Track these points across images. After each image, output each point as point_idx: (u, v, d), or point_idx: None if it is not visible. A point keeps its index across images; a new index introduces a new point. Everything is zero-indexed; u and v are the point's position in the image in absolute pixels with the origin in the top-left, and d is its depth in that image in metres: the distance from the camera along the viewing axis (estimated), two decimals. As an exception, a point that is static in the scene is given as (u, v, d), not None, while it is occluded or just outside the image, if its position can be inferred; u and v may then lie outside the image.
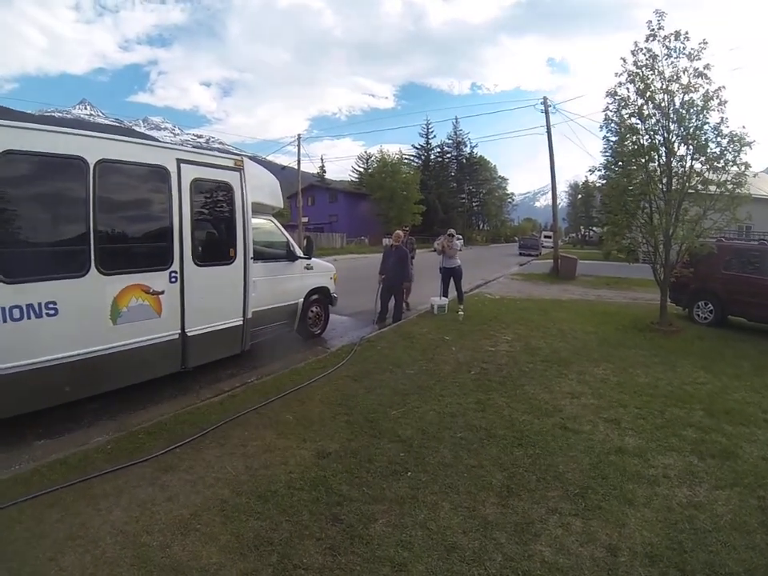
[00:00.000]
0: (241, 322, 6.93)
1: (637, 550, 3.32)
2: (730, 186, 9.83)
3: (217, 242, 6.69)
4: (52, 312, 4.73)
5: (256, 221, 7.55)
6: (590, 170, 11.76)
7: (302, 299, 8.68)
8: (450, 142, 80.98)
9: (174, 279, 5.88)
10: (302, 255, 8.57)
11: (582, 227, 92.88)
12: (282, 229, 8.47)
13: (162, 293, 5.76)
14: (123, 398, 5.71)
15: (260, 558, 3.09)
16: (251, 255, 6.91)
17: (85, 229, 4.96)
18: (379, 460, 4.40)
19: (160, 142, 5.95)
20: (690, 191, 10.13)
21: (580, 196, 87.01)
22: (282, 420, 5.22)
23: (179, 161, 5.93)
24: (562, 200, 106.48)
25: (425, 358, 7.70)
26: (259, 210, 7.63)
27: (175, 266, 5.88)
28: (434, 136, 78.43)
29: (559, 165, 23.28)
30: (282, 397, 5.85)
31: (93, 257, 5.01)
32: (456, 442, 4.83)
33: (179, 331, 6.06)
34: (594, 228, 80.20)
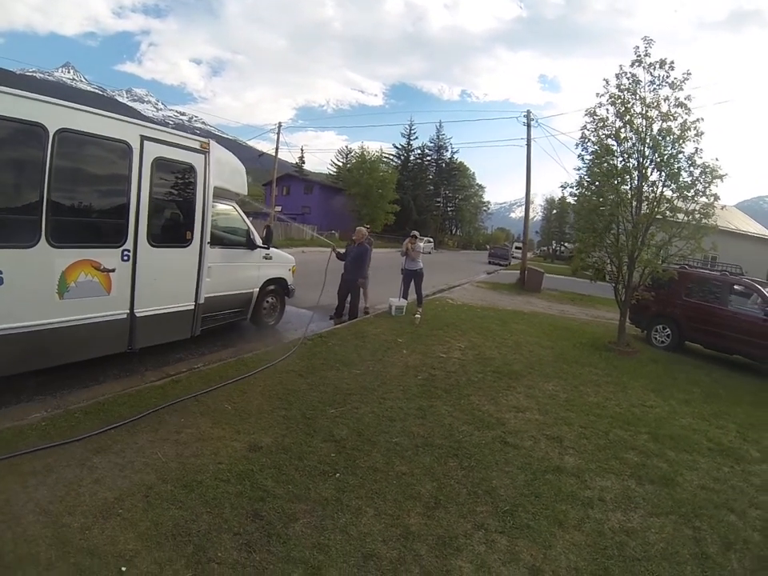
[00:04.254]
0: (192, 307, 6.80)
1: (560, 573, 3.28)
2: (697, 216, 10.00)
3: (174, 223, 6.54)
4: None
5: (218, 206, 7.48)
6: (561, 186, 11.84)
7: (258, 289, 8.59)
8: (432, 145, 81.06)
9: (126, 258, 5.71)
10: (261, 244, 8.44)
11: (554, 242, 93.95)
12: (244, 216, 8.35)
13: (113, 270, 5.59)
14: (67, 375, 5.59)
15: (176, 548, 3.05)
16: (208, 240, 6.79)
17: (38, 198, 4.77)
18: (309, 458, 4.35)
19: (124, 116, 5.76)
20: (658, 216, 10.28)
21: (555, 211, 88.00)
22: (220, 409, 5.15)
23: (143, 137, 5.77)
24: (538, 213, 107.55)
25: (374, 359, 7.65)
26: (222, 195, 7.52)
27: (128, 245, 5.71)
28: (416, 138, 78.56)
29: (538, 180, 23.58)
30: (223, 386, 5.76)
31: (44, 228, 4.82)
32: (390, 447, 4.78)
33: (128, 311, 5.90)
34: (566, 244, 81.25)
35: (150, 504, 3.43)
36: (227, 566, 2.96)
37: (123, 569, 2.82)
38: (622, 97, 10.40)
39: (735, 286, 11.70)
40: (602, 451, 5.31)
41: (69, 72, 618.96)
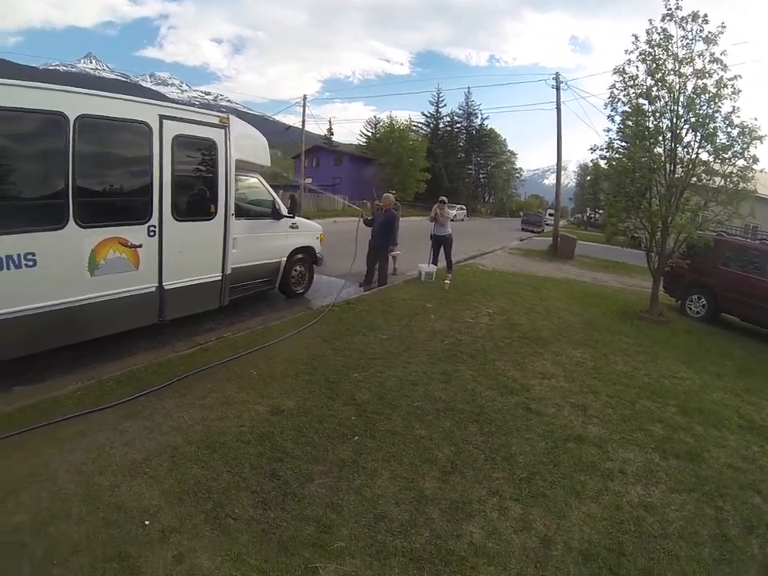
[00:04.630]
0: (219, 277, 6.96)
1: (573, 545, 3.27)
2: (735, 179, 9.59)
3: (197, 197, 6.66)
4: (30, 263, 4.76)
5: (242, 179, 7.62)
6: (590, 149, 11.42)
7: (285, 258, 8.70)
8: (461, 112, 79.53)
9: (152, 233, 5.87)
10: (286, 214, 8.51)
11: (588, 209, 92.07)
12: (269, 187, 8.41)
13: (140, 246, 5.76)
14: (101, 349, 5.79)
15: (196, 504, 3.22)
16: (233, 212, 6.90)
17: (64, 183, 4.93)
18: (330, 421, 4.47)
19: (141, 98, 5.90)
20: (693, 180, 9.88)
21: (589, 177, 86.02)
22: (246, 375, 5.29)
23: (162, 117, 5.87)
24: (571, 180, 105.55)
25: (401, 324, 7.68)
26: (245, 167, 7.63)
27: (154, 221, 5.86)
28: (445, 105, 77.15)
29: (571, 145, 23.27)
30: (250, 353, 5.90)
31: (71, 210, 5.00)
32: (411, 411, 4.84)
33: (156, 284, 6.08)
34: (601, 210, 79.65)
35: (174, 463, 3.61)
36: (243, 522, 3.10)
37: (146, 522, 3.00)
38: (653, 53, 9.92)
39: None
40: (627, 422, 5.21)
41: (91, 62, 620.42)
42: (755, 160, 9.53)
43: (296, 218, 8.80)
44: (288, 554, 2.89)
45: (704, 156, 9.90)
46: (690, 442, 4.97)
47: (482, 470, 3.99)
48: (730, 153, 9.60)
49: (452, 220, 12.10)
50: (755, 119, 9.48)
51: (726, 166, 9.68)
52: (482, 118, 79.89)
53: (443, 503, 3.51)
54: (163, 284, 6.12)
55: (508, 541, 3.23)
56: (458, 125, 79.94)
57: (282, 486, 3.49)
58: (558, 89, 23.38)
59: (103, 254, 5.38)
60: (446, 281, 11.20)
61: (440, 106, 76.46)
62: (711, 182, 9.81)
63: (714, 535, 3.59)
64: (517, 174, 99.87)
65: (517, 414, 5.03)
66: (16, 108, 4.56)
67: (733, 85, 9.44)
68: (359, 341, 6.72)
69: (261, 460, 3.76)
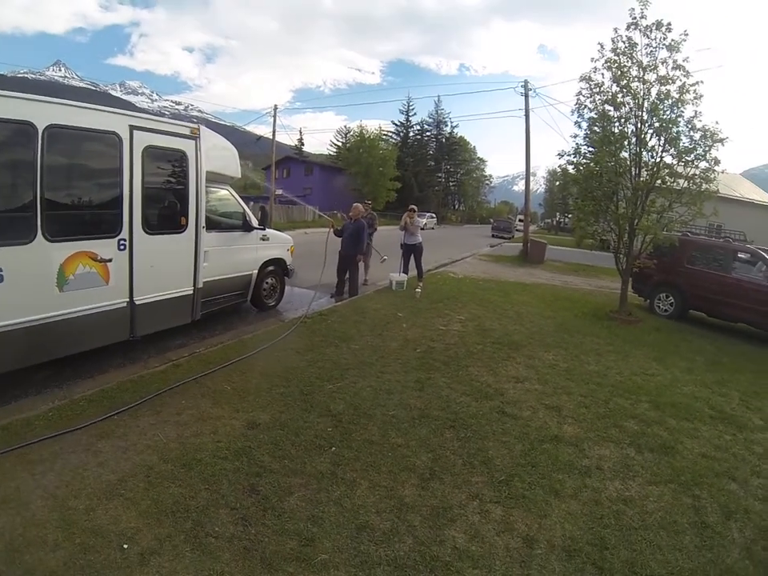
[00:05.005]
0: (191, 292, 6.89)
1: (555, 542, 3.31)
2: (698, 181, 9.91)
3: (168, 210, 6.58)
4: None
5: (213, 190, 7.57)
6: (558, 155, 11.63)
7: (257, 270, 8.66)
8: (431, 120, 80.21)
9: (122, 247, 5.77)
10: (257, 226, 8.47)
11: (557, 214, 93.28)
12: (239, 199, 8.38)
13: (110, 260, 5.65)
14: (73, 367, 5.68)
15: (175, 524, 3.17)
16: (203, 224, 6.83)
17: (31, 195, 4.82)
18: (306, 434, 4.44)
19: (112, 108, 5.82)
20: (657, 182, 10.17)
21: (558, 183, 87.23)
22: (220, 390, 5.24)
23: (132, 127, 5.79)
24: (541, 185, 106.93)
25: (373, 334, 7.69)
26: (216, 179, 7.57)
27: (124, 234, 5.76)
28: (415, 113, 77.68)
29: (540, 151, 23.58)
30: (223, 367, 5.84)
31: (39, 223, 4.88)
32: (387, 420, 4.84)
33: (127, 299, 5.98)
34: (570, 215, 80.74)
35: (150, 483, 3.54)
36: (224, 540, 3.06)
37: (125, 546, 2.93)
38: (618, 61, 10.23)
39: (739, 254, 11.66)
40: (602, 420, 5.31)
41: (60, 70, 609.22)
42: (717, 162, 9.87)
43: (267, 229, 8.77)
44: (271, 569, 2.87)
45: (668, 159, 10.27)
46: (663, 435, 5.10)
47: (460, 475, 4.01)
48: (692, 155, 9.94)
49: (422, 228, 12.16)
50: (716, 122, 9.83)
51: (689, 169, 10.02)
52: (451, 126, 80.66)
53: (424, 510, 3.52)
54: (134, 299, 6.02)
55: (491, 543, 3.25)
56: (428, 133, 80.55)
57: (261, 500, 3.46)
58: (526, 96, 23.64)
59: (72, 269, 5.26)
60: (417, 289, 11.24)
61: (410, 114, 77.02)
62: (675, 184, 10.12)
63: (693, 523, 3.68)
64: (486, 181, 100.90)
65: (492, 418, 5.07)
66: None
67: (695, 90, 9.80)
68: (332, 352, 6.69)
69: (239, 475, 3.72)
